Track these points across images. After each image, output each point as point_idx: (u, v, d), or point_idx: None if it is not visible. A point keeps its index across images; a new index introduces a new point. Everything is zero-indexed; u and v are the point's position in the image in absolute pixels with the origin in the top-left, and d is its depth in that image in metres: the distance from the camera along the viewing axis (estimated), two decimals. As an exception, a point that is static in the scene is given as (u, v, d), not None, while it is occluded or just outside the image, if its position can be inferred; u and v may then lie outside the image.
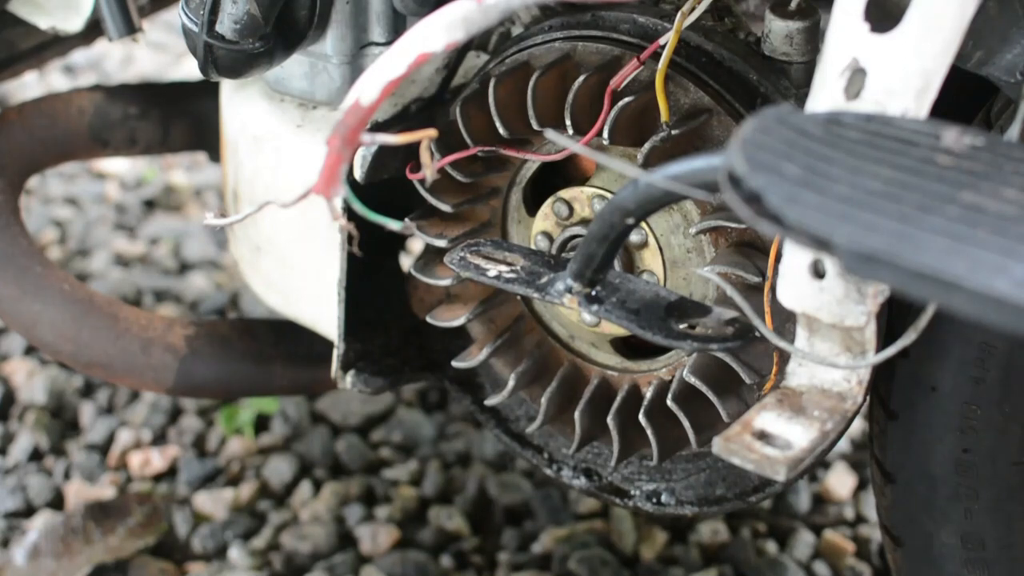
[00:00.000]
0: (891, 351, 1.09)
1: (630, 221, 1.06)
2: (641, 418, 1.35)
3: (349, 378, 1.50)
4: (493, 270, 1.25)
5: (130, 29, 1.49)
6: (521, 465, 2.02)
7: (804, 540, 1.92)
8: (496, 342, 1.42)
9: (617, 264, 1.31)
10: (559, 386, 1.41)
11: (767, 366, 1.26)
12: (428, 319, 1.44)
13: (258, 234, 1.51)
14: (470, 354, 1.43)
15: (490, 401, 1.45)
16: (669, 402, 1.32)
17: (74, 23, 1.55)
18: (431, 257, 1.44)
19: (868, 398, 1.20)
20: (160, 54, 3.10)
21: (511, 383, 1.41)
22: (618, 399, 1.38)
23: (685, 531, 1.93)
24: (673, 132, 1.24)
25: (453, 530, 1.93)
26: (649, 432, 1.34)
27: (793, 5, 1.28)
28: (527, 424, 1.48)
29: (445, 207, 1.37)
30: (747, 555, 1.89)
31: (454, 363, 1.44)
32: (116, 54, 3.09)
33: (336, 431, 2.09)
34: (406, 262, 1.58)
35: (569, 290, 1.18)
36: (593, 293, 1.17)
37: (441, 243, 1.39)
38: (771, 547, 1.92)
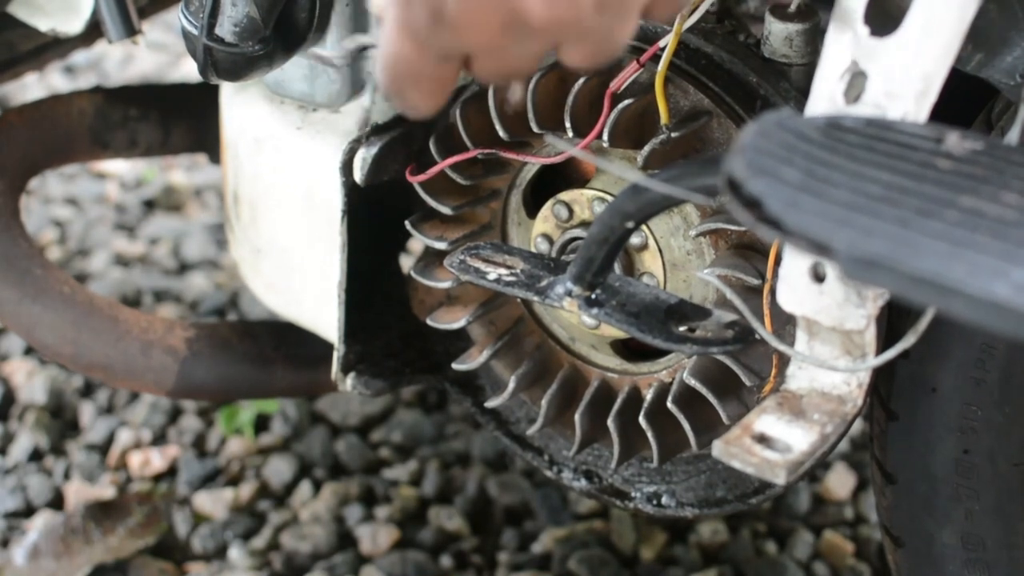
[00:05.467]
0: (891, 354, 1.09)
1: (630, 224, 1.06)
2: (641, 420, 1.35)
3: (349, 380, 1.50)
4: (493, 273, 1.25)
5: (130, 31, 1.49)
6: (521, 465, 2.02)
7: (804, 540, 1.92)
8: (496, 344, 1.42)
9: (617, 267, 1.32)
10: (559, 388, 1.41)
11: (767, 368, 1.26)
12: (428, 321, 1.44)
13: (258, 236, 1.51)
14: (470, 356, 1.43)
15: (490, 403, 1.45)
16: (669, 404, 1.32)
17: (74, 25, 1.55)
18: (431, 259, 1.44)
19: (868, 400, 1.20)
20: (160, 54, 3.10)
21: (511, 385, 1.41)
22: (618, 401, 1.38)
23: (685, 531, 1.94)
24: (673, 134, 1.24)
25: (453, 530, 1.93)
26: (649, 434, 1.34)
27: (793, 7, 1.28)
28: (527, 426, 1.48)
29: (445, 209, 1.37)
30: (747, 555, 1.90)
31: (454, 365, 1.44)
32: (116, 54, 3.09)
33: (336, 431, 2.10)
34: (406, 263, 1.58)
35: (569, 293, 1.18)
36: (593, 296, 1.17)
37: (441, 245, 1.39)
38: (771, 547, 1.92)
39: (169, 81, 2.83)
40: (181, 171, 2.70)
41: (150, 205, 2.62)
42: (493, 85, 1.04)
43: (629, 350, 1.42)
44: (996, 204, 0.85)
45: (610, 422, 1.37)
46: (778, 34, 1.28)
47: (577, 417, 1.39)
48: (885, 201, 0.86)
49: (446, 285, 1.40)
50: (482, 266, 1.27)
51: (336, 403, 2.11)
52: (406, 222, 1.41)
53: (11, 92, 2.85)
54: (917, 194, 0.86)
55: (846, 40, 1.06)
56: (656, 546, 1.91)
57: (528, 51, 0.94)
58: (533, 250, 1.39)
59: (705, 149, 1.28)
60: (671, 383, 1.35)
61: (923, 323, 1.07)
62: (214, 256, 2.45)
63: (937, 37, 1.03)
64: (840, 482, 2.01)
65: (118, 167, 2.69)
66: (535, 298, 1.21)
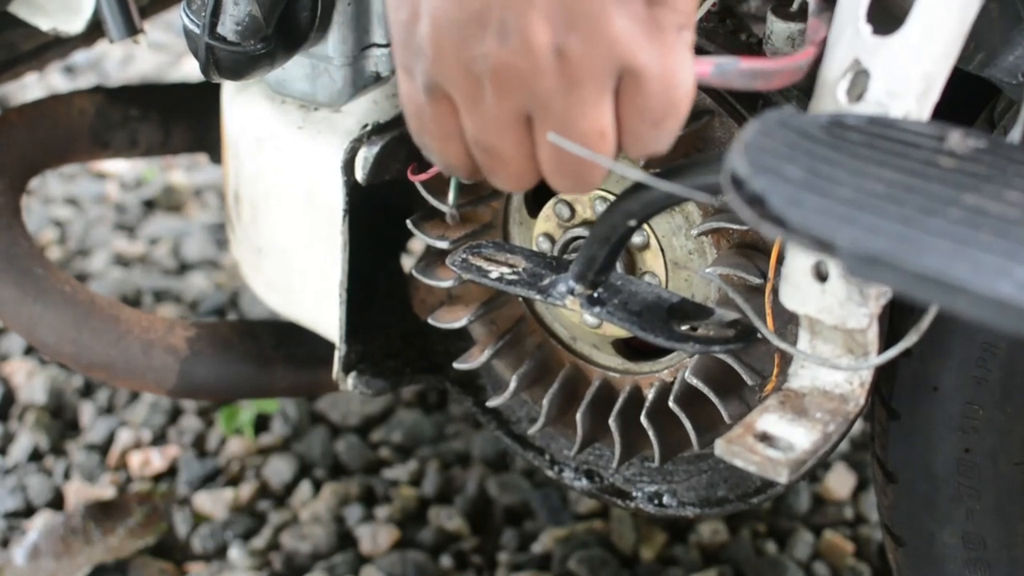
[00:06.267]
0: (892, 353, 1.09)
1: (632, 223, 1.06)
2: (643, 420, 1.35)
3: (350, 380, 1.50)
4: (495, 272, 1.25)
5: (131, 30, 1.49)
6: (521, 465, 2.02)
7: (804, 540, 1.92)
8: (497, 344, 1.42)
9: (619, 266, 1.31)
10: (561, 388, 1.41)
11: (769, 367, 1.26)
12: (430, 320, 1.44)
13: (259, 236, 1.51)
14: (471, 356, 1.43)
15: (492, 403, 1.45)
16: (671, 403, 1.32)
17: (75, 24, 1.55)
18: (432, 258, 1.44)
19: (870, 399, 1.20)
20: (160, 54, 3.10)
21: (512, 385, 1.41)
22: (620, 401, 1.38)
23: (685, 531, 1.94)
24: (675, 134, 1.24)
25: (453, 530, 1.93)
26: (651, 434, 1.34)
27: (795, 6, 1.28)
28: (529, 425, 1.48)
29: (445, 208, 1.37)
30: (747, 555, 1.90)
31: (455, 365, 1.44)
32: (116, 54, 3.09)
33: (336, 431, 2.10)
34: (407, 263, 1.58)
35: (571, 292, 1.18)
36: (595, 295, 1.17)
37: (443, 244, 1.39)
38: (771, 547, 1.92)
39: (169, 81, 2.83)
40: (181, 171, 2.70)
41: (150, 205, 2.62)
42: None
43: (631, 349, 1.42)
44: (999, 202, 0.85)
45: (611, 422, 1.37)
46: (780, 33, 1.28)
47: (578, 417, 1.39)
48: (888, 199, 0.86)
49: (447, 284, 1.40)
50: (484, 265, 1.26)
51: (336, 403, 2.11)
52: (407, 221, 1.41)
53: (11, 92, 2.85)
54: (920, 192, 0.86)
55: (848, 39, 1.06)
56: (656, 546, 1.91)
57: (500, 113, 0.98)
58: (535, 249, 1.40)
59: (707, 148, 1.28)
60: (673, 382, 1.34)
61: (925, 322, 1.07)
62: (214, 256, 2.45)
63: (939, 36, 1.03)
64: (840, 482, 2.01)
65: (118, 167, 2.69)
66: (537, 297, 1.21)
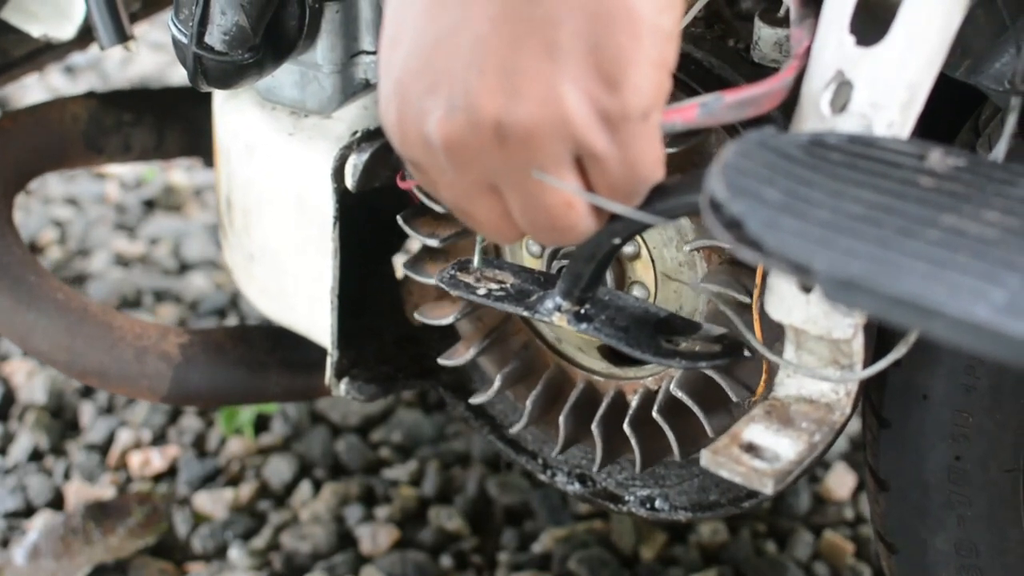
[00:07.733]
0: (881, 365, 1.09)
1: (617, 241, 1.06)
2: (626, 427, 1.34)
3: (343, 385, 1.50)
4: (483, 288, 1.25)
5: (122, 37, 1.49)
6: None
7: (804, 540, 1.92)
8: (483, 341, 1.42)
9: (609, 276, 1.31)
10: (544, 388, 1.41)
11: (755, 382, 1.25)
12: (416, 315, 1.44)
13: (251, 242, 1.51)
14: (457, 352, 1.43)
15: (475, 400, 1.45)
16: (655, 414, 1.32)
17: (66, 31, 1.55)
18: (424, 256, 1.44)
19: (857, 407, 1.20)
20: (160, 55, 3.10)
21: (496, 383, 1.41)
22: (603, 405, 1.38)
23: (685, 531, 1.93)
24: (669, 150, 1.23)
25: (453, 530, 1.93)
26: (633, 442, 1.34)
27: (782, 12, 1.27)
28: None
29: (437, 207, 1.37)
30: (747, 555, 1.89)
31: (441, 360, 1.43)
32: (115, 55, 3.09)
33: (336, 431, 2.10)
34: (399, 269, 1.58)
35: (558, 308, 1.17)
36: (582, 311, 1.17)
37: (433, 242, 1.39)
38: (771, 547, 1.92)
39: (169, 82, 2.83)
40: (181, 171, 2.70)
41: (150, 205, 2.62)
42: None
43: (616, 354, 1.41)
44: (977, 222, 0.85)
45: (594, 427, 1.37)
46: (767, 39, 1.27)
47: (561, 419, 1.39)
48: (866, 221, 0.85)
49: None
50: (472, 281, 1.27)
51: (336, 403, 2.11)
52: (398, 217, 1.41)
53: (11, 92, 2.86)
54: (898, 213, 0.86)
55: (831, 49, 1.06)
56: (656, 546, 1.91)
57: (462, 184, 0.98)
58: (524, 251, 1.40)
59: (704, 163, 1.27)
60: (657, 390, 1.34)
61: (913, 334, 1.07)
62: (214, 256, 2.45)
63: (923, 46, 1.02)
64: (840, 482, 2.01)
65: (118, 167, 2.69)
66: (525, 313, 1.21)
